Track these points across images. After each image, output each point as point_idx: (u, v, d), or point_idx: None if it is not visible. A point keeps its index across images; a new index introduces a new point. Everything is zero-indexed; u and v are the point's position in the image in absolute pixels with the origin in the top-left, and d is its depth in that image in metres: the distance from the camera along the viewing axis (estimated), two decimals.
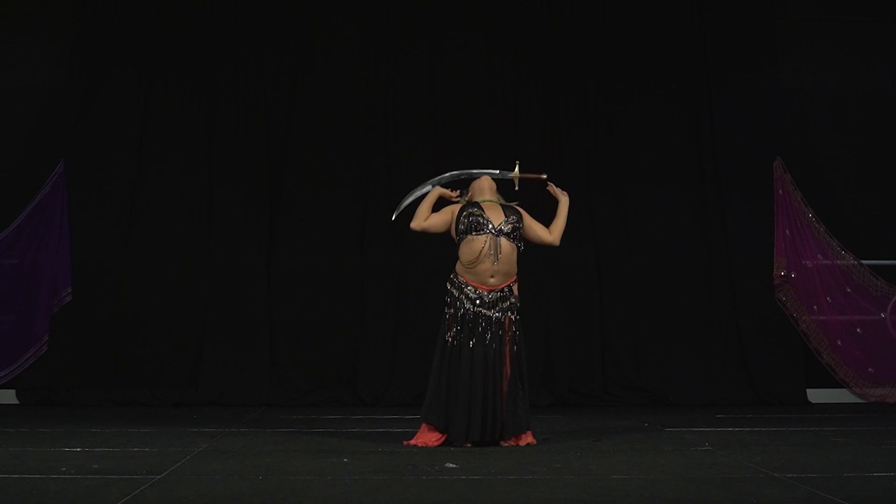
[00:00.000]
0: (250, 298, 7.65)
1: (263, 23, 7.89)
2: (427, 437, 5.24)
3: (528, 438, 5.28)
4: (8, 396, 7.45)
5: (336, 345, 7.67)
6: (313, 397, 7.57)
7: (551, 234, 5.50)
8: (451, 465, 4.54)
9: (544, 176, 5.72)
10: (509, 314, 5.25)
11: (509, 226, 5.28)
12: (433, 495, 3.86)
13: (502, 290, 5.25)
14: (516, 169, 5.68)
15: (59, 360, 7.47)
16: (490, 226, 5.25)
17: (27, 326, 7.46)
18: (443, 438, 5.23)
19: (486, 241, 5.22)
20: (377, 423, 6.32)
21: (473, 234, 5.25)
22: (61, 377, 7.47)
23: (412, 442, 5.26)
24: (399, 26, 7.93)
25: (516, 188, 5.69)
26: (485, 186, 5.48)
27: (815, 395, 7.73)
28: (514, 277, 5.32)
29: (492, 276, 5.24)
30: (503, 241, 5.24)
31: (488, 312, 5.22)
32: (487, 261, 5.21)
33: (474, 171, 5.70)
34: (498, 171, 5.70)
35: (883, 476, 4.28)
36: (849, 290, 7.76)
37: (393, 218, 5.94)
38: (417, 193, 5.78)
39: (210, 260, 7.70)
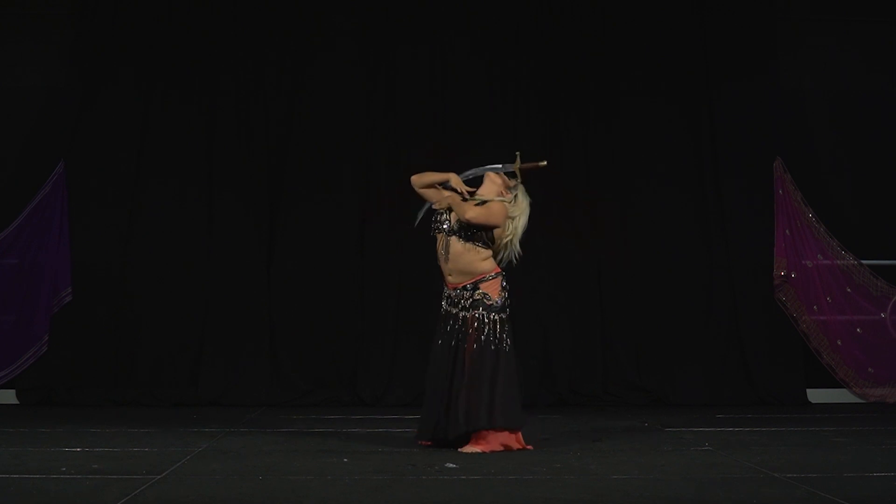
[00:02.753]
0: (250, 298, 7.65)
1: (263, 23, 7.89)
2: None
3: (494, 440, 4.98)
4: (8, 396, 7.46)
5: (336, 345, 7.67)
6: (313, 397, 7.57)
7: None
8: (451, 465, 4.54)
9: (544, 163, 5.63)
10: (472, 312, 5.10)
11: (458, 224, 5.14)
12: (433, 495, 3.86)
13: (465, 288, 5.14)
14: (517, 160, 5.63)
15: (59, 360, 7.47)
16: (444, 224, 5.19)
17: (27, 326, 7.46)
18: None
19: (440, 240, 5.22)
20: (377, 423, 6.32)
21: (435, 232, 5.25)
22: (61, 377, 7.47)
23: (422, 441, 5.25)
24: (399, 26, 7.93)
25: (520, 180, 5.62)
26: (484, 183, 5.32)
27: (815, 395, 7.73)
28: (482, 275, 5.14)
29: (449, 275, 5.19)
30: (452, 239, 5.14)
31: (453, 310, 5.17)
32: (441, 260, 5.21)
33: (479, 168, 5.65)
34: (500, 166, 5.64)
35: (883, 476, 4.28)
36: (849, 290, 7.76)
37: (415, 225, 5.80)
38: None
39: (210, 260, 7.70)
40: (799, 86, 8.12)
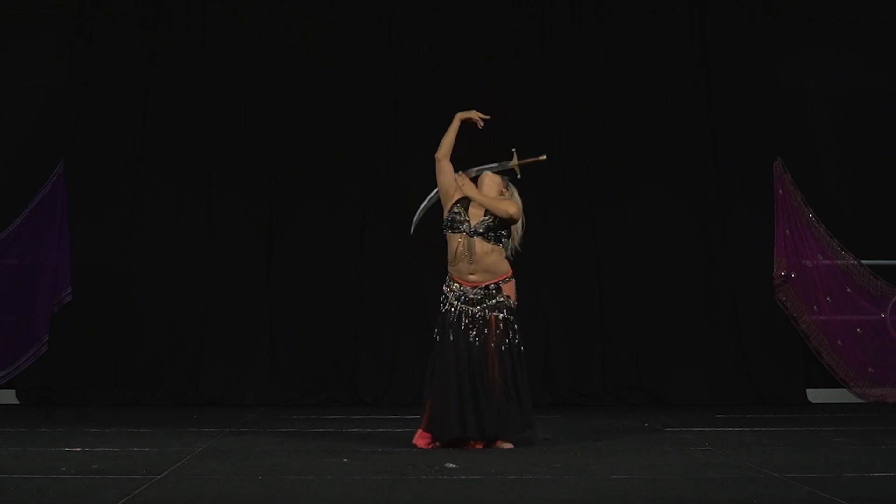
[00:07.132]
0: (250, 298, 7.65)
1: (263, 23, 7.88)
2: (420, 438, 5.16)
3: (505, 444, 5.11)
4: (8, 396, 7.46)
5: (336, 345, 7.67)
6: (313, 397, 7.57)
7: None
8: (451, 465, 4.54)
9: (543, 157, 5.61)
10: (496, 313, 5.12)
11: (484, 225, 5.15)
12: (433, 495, 3.86)
13: (487, 288, 5.15)
14: (514, 158, 5.61)
15: (59, 360, 7.47)
16: (465, 225, 5.16)
17: (27, 326, 7.47)
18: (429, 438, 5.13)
19: (460, 241, 5.15)
20: (377, 423, 6.32)
21: (451, 231, 5.20)
22: (61, 377, 7.47)
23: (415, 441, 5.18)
24: (399, 25, 7.93)
25: (518, 176, 5.59)
26: (485, 182, 5.33)
27: (815, 395, 7.73)
28: (504, 276, 5.19)
29: (471, 274, 5.16)
30: (477, 241, 5.13)
31: (472, 309, 5.14)
32: (463, 260, 5.15)
33: (473, 168, 5.64)
34: (497, 164, 5.63)
35: (883, 476, 4.28)
36: (849, 290, 7.76)
37: (411, 232, 5.87)
38: (428, 205, 5.73)
39: (210, 260, 7.70)
40: (799, 86, 8.12)
